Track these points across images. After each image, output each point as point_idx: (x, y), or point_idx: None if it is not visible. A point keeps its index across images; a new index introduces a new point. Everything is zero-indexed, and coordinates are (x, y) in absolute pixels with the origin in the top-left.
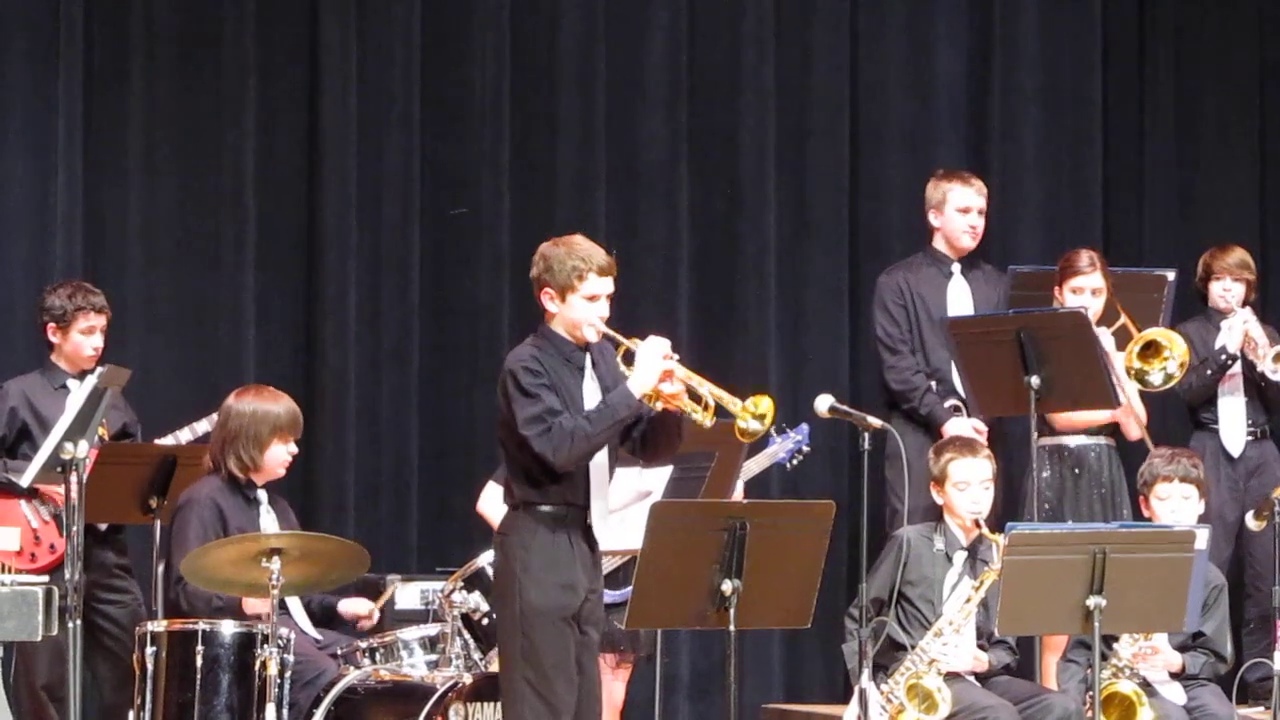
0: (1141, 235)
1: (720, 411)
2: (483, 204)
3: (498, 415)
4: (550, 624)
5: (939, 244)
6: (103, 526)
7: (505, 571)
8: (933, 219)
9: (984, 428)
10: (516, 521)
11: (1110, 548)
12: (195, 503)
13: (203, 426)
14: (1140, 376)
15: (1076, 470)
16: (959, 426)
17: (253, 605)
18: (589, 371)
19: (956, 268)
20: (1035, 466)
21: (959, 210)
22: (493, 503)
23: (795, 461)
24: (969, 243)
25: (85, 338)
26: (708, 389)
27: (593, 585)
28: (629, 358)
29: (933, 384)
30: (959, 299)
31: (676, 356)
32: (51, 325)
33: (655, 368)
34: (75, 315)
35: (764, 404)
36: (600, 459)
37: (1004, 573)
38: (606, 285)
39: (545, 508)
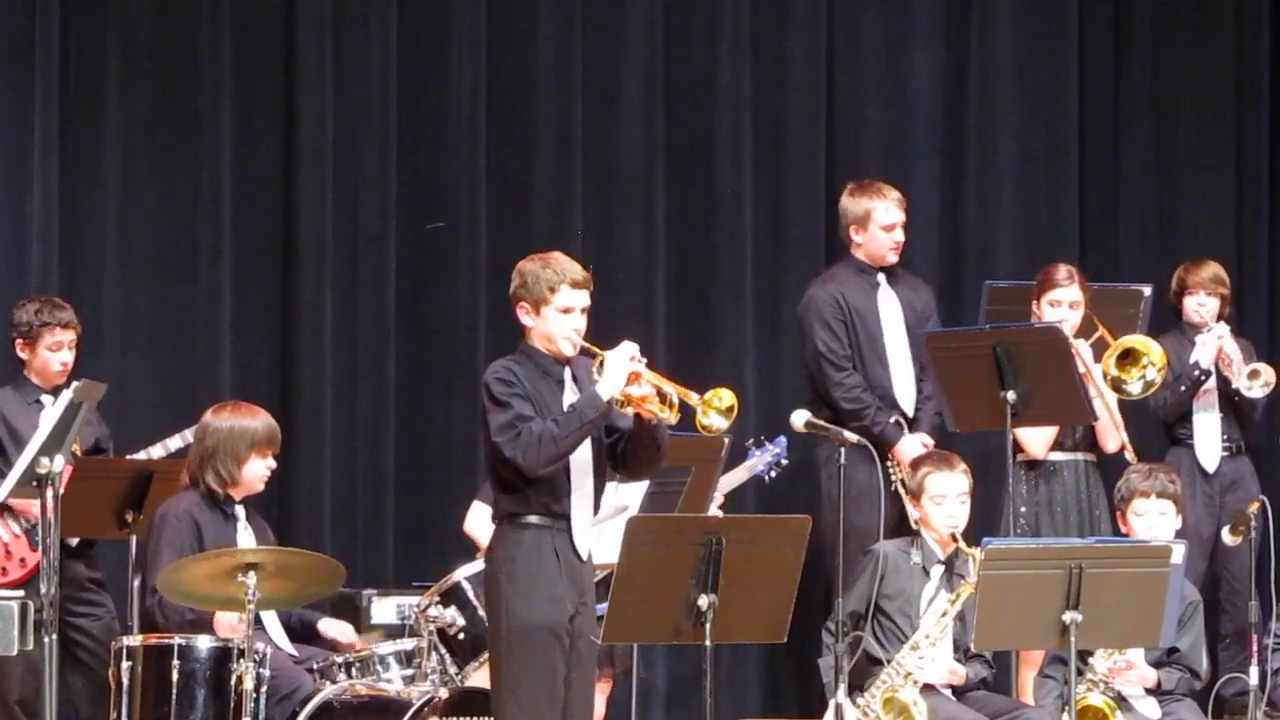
0: (1117, 250)
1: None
2: (460, 216)
3: (481, 431)
4: (535, 637)
5: (861, 255)
6: (73, 541)
7: (492, 585)
8: (854, 234)
9: (931, 442)
10: (502, 535)
11: (1087, 563)
12: (171, 516)
13: (175, 443)
14: (1118, 385)
15: (1053, 486)
16: (909, 444)
17: (223, 626)
18: (568, 385)
19: (881, 278)
20: (1011, 483)
21: (884, 229)
22: (479, 522)
23: (774, 474)
24: (894, 259)
25: (53, 354)
26: (672, 389)
27: (582, 597)
28: (604, 367)
29: (877, 400)
30: (890, 310)
31: (645, 360)
32: (20, 341)
33: (622, 370)
34: (42, 331)
35: (726, 397)
36: (583, 466)
37: (980, 588)
38: (581, 298)
39: (530, 518)
